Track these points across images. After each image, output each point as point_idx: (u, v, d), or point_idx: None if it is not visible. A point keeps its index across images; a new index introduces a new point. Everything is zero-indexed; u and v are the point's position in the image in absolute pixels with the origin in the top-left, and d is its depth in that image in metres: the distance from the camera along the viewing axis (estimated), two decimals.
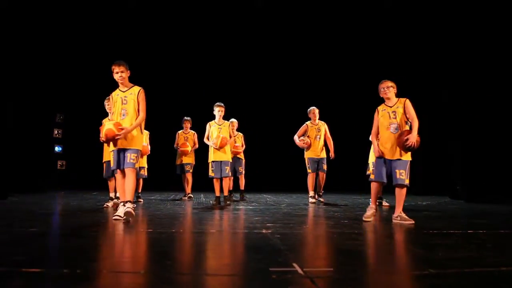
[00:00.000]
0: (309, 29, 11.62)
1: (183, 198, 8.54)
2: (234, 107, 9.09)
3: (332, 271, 2.40)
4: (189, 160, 8.62)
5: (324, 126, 7.88)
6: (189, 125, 8.63)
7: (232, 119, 8.40)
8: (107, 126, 4.54)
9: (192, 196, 8.95)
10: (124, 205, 4.55)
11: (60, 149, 11.66)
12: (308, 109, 7.93)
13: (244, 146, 8.57)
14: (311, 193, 7.67)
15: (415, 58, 10.64)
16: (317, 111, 7.89)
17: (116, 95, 4.83)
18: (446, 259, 2.67)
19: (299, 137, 7.80)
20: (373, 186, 4.84)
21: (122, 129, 4.55)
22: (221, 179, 6.98)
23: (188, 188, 8.71)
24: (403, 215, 4.71)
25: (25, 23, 9.26)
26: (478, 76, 8.55)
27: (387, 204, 7.25)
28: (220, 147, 6.85)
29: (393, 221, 4.74)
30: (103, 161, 6.62)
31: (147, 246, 3.24)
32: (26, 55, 9.47)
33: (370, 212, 4.94)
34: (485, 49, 8.47)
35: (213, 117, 7.13)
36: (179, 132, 8.70)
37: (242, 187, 8.45)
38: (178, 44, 12.19)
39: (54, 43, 10.74)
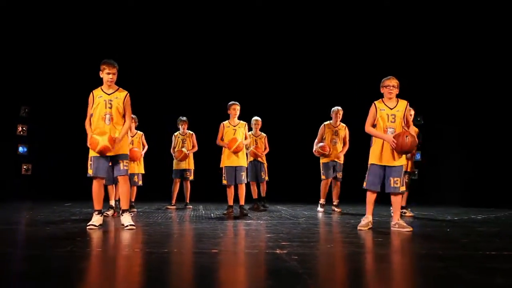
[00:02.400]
0: (334, 27, 12.36)
1: (169, 207, 8.88)
2: (250, 104, 9.47)
3: None
4: (189, 165, 9.02)
5: (345, 130, 8.39)
6: (186, 126, 9.02)
7: (256, 117, 9.01)
8: (101, 143, 5.11)
9: (191, 206, 9.05)
10: (122, 214, 5.44)
11: (25, 149, 11.77)
12: (332, 109, 8.45)
13: (267, 149, 9.03)
14: (322, 201, 8.34)
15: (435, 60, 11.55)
16: (340, 112, 8.38)
17: (98, 96, 5.35)
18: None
19: (317, 143, 8.35)
20: (368, 194, 5.57)
21: (114, 141, 5.18)
22: (235, 187, 7.36)
23: (187, 197, 9.17)
24: (401, 222, 5.47)
25: None
26: None
27: (411, 214, 7.70)
28: (235, 152, 7.27)
29: (391, 229, 5.51)
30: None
31: (132, 271, 3.27)
32: None
33: (364, 221, 5.57)
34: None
35: (226, 117, 7.57)
36: (176, 134, 9.11)
37: (263, 194, 9.02)
38: (175, 38, 12.39)
39: (17, 28, 10.95)
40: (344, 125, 8.42)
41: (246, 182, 7.51)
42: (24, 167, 11.74)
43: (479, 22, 10.74)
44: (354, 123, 8.33)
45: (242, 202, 7.39)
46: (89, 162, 5.34)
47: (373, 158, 5.49)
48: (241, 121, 7.56)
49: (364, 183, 5.55)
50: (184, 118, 9.04)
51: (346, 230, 5.67)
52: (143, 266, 3.35)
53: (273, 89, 12.72)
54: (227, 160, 7.33)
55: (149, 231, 5.23)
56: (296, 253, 3.77)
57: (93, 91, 5.41)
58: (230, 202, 7.37)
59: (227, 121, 7.53)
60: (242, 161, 7.38)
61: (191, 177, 9.09)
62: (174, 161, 9.03)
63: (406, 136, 5.25)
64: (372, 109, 5.52)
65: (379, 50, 12.25)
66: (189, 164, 9.02)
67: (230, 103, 7.52)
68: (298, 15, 12.21)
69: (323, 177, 8.32)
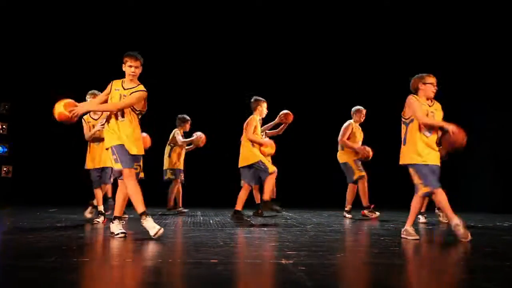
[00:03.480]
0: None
1: (183, 210, 9.15)
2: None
3: None
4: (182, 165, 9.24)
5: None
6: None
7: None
8: (57, 109, 5.35)
9: (185, 211, 9.09)
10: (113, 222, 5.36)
11: (5, 149, 11.79)
12: (357, 108, 8.72)
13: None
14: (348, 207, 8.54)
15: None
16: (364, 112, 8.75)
17: (115, 89, 5.29)
18: None
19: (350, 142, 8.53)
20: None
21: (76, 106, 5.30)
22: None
23: (180, 201, 9.28)
24: (410, 229, 5.35)
25: None
26: None
27: (424, 220, 7.68)
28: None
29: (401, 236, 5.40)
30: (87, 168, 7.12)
31: (123, 284, 3.27)
32: None
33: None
34: None
35: (248, 113, 7.68)
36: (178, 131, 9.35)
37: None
38: (175, 38, 12.47)
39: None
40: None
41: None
42: (4, 169, 11.76)
43: (482, 20, 11.03)
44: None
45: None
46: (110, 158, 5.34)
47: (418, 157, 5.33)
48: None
49: (426, 188, 5.29)
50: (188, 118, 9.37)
51: (358, 238, 5.67)
52: (135, 278, 3.36)
53: (277, 92, 12.72)
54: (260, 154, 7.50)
55: (142, 239, 5.24)
56: (304, 263, 3.77)
57: (114, 81, 5.37)
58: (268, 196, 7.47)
59: (259, 117, 7.75)
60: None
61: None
62: (169, 161, 9.14)
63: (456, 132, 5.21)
64: (416, 102, 5.33)
65: (380, 50, 12.45)
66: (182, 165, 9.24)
67: (262, 99, 7.73)
68: (298, 15, 12.46)
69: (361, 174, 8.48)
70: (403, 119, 5.41)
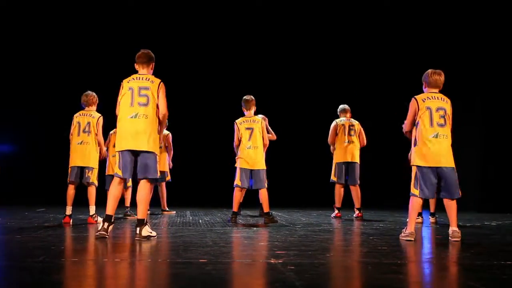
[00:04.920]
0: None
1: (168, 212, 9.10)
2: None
3: None
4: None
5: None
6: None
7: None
8: None
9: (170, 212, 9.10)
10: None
11: None
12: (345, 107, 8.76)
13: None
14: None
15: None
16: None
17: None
18: None
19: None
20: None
21: None
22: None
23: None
24: (404, 231, 5.37)
25: None
26: None
27: (419, 220, 7.58)
28: None
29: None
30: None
31: (111, 283, 3.26)
32: None
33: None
34: None
35: (240, 115, 7.53)
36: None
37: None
38: (173, 39, 12.46)
39: None
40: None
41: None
42: None
43: (482, 19, 11.09)
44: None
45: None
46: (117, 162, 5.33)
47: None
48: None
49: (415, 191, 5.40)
50: None
51: (348, 238, 5.69)
52: (123, 278, 3.35)
53: (268, 94, 12.74)
54: None
55: (130, 239, 5.23)
56: (293, 263, 3.78)
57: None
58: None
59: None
60: None
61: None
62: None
63: None
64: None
65: (378, 50, 12.50)
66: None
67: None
68: (298, 15, 12.55)
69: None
70: None
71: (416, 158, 5.29)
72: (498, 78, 11.03)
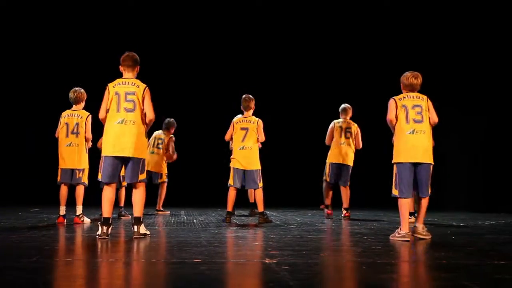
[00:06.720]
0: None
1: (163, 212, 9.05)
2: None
3: None
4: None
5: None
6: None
7: None
8: None
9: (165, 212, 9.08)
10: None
11: None
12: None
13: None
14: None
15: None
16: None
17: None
18: None
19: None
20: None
21: None
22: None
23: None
24: (399, 231, 5.32)
25: None
26: None
27: (412, 220, 7.46)
28: None
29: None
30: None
31: (104, 283, 3.26)
32: None
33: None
34: None
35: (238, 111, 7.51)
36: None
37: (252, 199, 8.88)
38: (173, 39, 12.46)
39: None
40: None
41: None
42: None
43: (481, 20, 11.10)
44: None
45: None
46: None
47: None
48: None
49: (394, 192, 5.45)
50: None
51: (342, 238, 5.69)
52: (117, 278, 3.35)
53: (265, 94, 12.76)
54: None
55: (124, 239, 5.22)
56: (287, 263, 3.78)
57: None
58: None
59: None
60: None
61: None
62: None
63: None
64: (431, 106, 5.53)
65: (377, 49, 12.50)
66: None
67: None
68: (298, 16, 12.58)
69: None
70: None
71: (395, 155, 5.37)
72: (498, 78, 11.03)
